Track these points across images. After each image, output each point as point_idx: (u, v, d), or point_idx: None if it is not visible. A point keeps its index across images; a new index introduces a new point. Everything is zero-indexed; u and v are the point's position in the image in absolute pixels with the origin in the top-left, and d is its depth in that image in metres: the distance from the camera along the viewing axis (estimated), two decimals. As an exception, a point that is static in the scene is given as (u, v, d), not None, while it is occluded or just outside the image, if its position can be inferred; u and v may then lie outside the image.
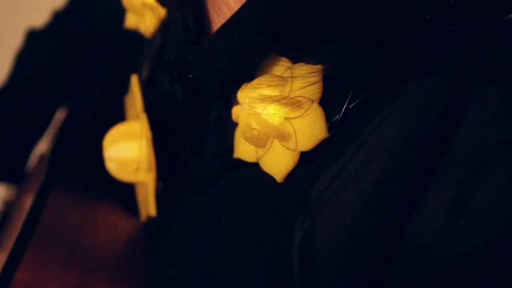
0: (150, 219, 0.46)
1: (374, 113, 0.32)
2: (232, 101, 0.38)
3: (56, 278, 0.41)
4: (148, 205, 0.44)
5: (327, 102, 0.34)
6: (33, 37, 0.64)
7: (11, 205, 0.60)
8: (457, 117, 0.30)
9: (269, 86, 0.34)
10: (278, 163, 0.35)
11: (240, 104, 0.35)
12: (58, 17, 0.65)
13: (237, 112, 0.36)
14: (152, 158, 0.43)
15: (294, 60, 0.35)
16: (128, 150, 0.45)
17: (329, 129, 0.33)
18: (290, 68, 0.35)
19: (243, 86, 0.35)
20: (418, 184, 0.31)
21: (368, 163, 0.32)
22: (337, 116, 0.33)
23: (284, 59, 0.35)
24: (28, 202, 0.46)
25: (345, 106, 0.33)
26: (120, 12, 0.50)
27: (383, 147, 0.32)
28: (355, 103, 0.33)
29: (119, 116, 0.49)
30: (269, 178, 0.35)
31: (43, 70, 0.62)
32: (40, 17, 0.66)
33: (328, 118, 0.34)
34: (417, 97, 0.31)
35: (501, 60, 0.31)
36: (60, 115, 0.60)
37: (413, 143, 0.31)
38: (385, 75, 0.33)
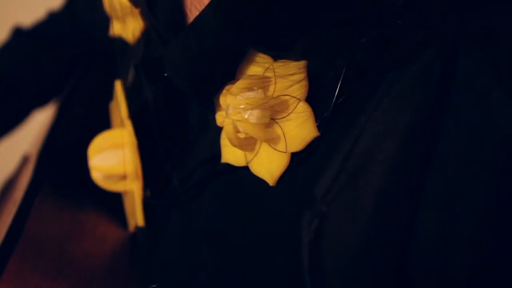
0: (138, 228, 0.45)
1: (365, 101, 0.31)
2: (215, 104, 0.37)
3: (40, 290, 0.39)
4: (135, 215, 0.43)
5: (314, 98, 0.33)
6: (19, 34, 0.63)
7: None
8: (450, 90, 0.29)
9: (252, 88, 0.33)
10: (268, 166, 0.34)
11: (223, 109, 0.34)
12: (51, 18, 0.64)
13: (221, 118, 0.35)
14: (138, 166, 0.42)
15: (275, 57, 0.34)
16: (113, 158, 0.44)
17: (319, 126, 0.32)
18: (272, 66, 0.34)
19: (225, 89, 0.34)
20: (423, 168, 0.30)
21: (370, 154, 0.31)
22: (326, 113, 0.32)
23: (264, 56, 0.34)
24: (11, 207, 0.45)
25: (333, 101, 0.32)
26: (108, 16, 0.49)
27: (383, 134, 0.31)
28: (343, 97, 0.32)
29: (105, 123, 0.48)
30: (262, 181, 0.34)
31: (24, 67, 0.61)
32: (32, 17, 0.65)
33: (317, 115, 0.33)
34: (410, 76, 0.30)
35: (489, 28, 0.30)
36: (48, 119, 0.59)
37: (413, 122, 0.30)
38: (373, 63, 0.32)
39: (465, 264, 0.29)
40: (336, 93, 0.32)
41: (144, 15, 0.39)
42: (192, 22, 0.34)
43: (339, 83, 0.32)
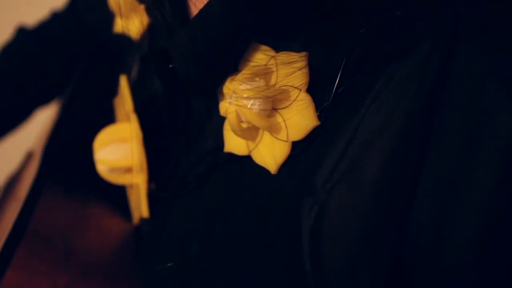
0: (143, 221, 0.45)
1: (364, 92, 0.32)
2: (218, 95, 0.38)
3: (47, 280, 0.40)
4: (140, 207, 0.44)
5: (315, 88, 0.34)
6: (23, 33, 0.64)
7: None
8: (447, 82, 0.30)
9: (254, 77, 0.34)
10: (270, 155, 0.35)
11: (227, 98, 0.35)
12: (54, 17, 0.65)
13: (224, 107, 0.36)
14: (143, 158, 0.43)
15: (277, 48, 0.35)
16: (118, 152, 0.45)
17: (319, 116, 0.33)
18: (274, 57, 0.35)
19: (229, 79, 0.35)
20: (421, 159, 0.30)
21: (369, 143, 0.32)
22: (326, 103, 0.33)
23: (267, 48, 0.35)
24: (17, 201, 0.46)
25: (333, 91, 0.33)
26: (111, 14, 0.50)
27: (382, 124, 0.31)
28: (343, 87, 0.33)
29: (109, 118, 0.49)
30: (264, 169, 0.35)
31: (28, 66, 0.62)
32: (35, 17, 0.66)
33: (317, 105, 0.33)
34: (408, 68, 0.31)
35: (485, 21, 0.31)
36: (51, 116, 0.60)
37: (411, 114, 0.31)
38: (372, 55, 0.32)
39: (462, 257, 0.30)
40: (336, 83, 0.33)
41: (150, 10, 0.40)
42: (199, 13, 0.35)
43: (339, 73, 0.33)
